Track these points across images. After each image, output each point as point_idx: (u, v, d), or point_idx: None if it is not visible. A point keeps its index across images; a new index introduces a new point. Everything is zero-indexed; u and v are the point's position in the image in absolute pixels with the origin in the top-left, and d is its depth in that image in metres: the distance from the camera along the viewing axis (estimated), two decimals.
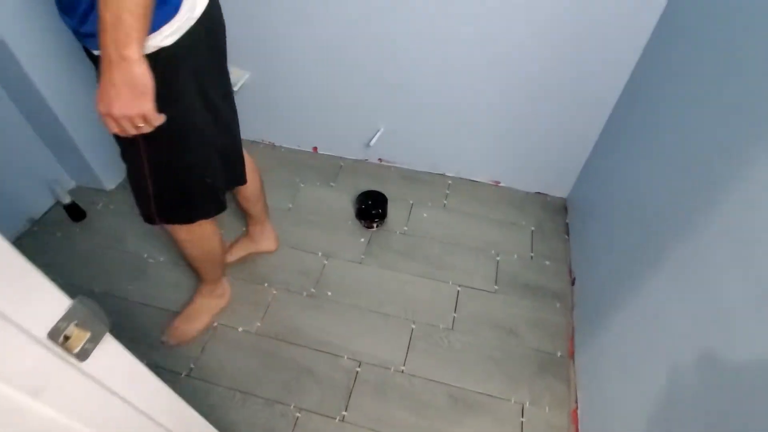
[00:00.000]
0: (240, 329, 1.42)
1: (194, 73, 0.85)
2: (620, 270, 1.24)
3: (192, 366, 1.34)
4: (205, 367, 1.33)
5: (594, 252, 1.46)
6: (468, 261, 1.62)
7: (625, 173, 1.37)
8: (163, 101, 0.74)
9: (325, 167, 1.96)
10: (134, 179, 0.96)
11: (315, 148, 2.02)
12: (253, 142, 2.05)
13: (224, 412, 1.25)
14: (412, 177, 1.92)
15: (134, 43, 0.65)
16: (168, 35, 0.76)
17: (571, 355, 1.37)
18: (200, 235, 1.14)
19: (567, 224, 1.75)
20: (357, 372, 1.33)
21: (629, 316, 1.13)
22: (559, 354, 1.38)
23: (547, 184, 1.85)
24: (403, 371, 1.33)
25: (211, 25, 0.85)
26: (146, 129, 0.75)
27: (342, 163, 1.98)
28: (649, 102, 1.27)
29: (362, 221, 1.71)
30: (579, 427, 1.22)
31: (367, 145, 1.87)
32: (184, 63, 0.82)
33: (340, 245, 1.66)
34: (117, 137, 0.82)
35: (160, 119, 0.76)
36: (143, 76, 0.69)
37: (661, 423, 0.89)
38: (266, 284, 1.54)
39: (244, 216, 1.54)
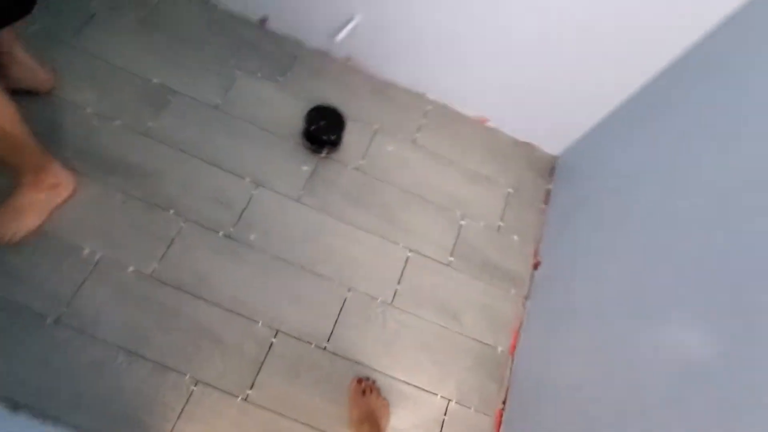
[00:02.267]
0: (130, 269, 1.13)
1: None
2: (594, 269, 1.06)
3: (64, 310, 1.06)
4: (80, 314, 1.07)
5: (570, 236, 1.26)
6: (427, 220, 1.36)
7: (631, 162, 1.09)
8: None
9: (274, 52, 1.46)
10: None
11: (264, 21, 1.48)
12: None
13: (102, 375, 1.03)
14: (384, 92, 1.50)
15: None
16: None
17: (512, 352, 1.26)
18: None
19: (548, 191, 1.50)
20: (272, 343, 1.13)
21: (588, 331, 0.98)
22: (499, 349, 1.26)
23: (540, 134, 1.53)
24: (325, 348, 1.16)
25: None
26: None
27: (298, 52, 1.49)
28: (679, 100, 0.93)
29: (309, 144, 1.34)
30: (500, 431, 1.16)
31: (334, 36, 1.38)
32: None
33: (275, 171, 1.31)
34: None
35: None
36: None
37: None
38: (171, 211, 1.20)
39: None
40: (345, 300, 1.21)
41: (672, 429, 0.68)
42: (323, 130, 1.31)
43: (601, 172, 1.27)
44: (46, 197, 1.10)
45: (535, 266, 1.37)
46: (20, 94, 1.17)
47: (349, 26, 1.34)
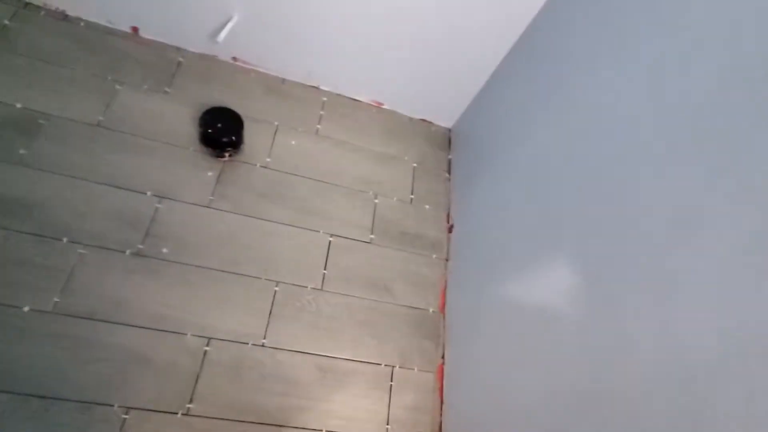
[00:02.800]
0: (26, 308, 1.02)
1: None
2: (498, 219, 1.18)
3: None
4: None
5: (474, 196, 1.38)
6: (342, 205, 1.40)
7: (515, 115, 1.24)
8: None
9: (155, 62, 1.41)
10: None
11: (135, 29, 1.42)
12: (27, 4, 1.34)
13: (14, 426, 0.93)
14: (278, 89, 1.51)
15: None
16: None
17: (443, 310, 1.35)
18: None
19: (449, 160, 1.62)
20: (205, 351, 1.10)
21: (503, 272, 1.10)
22: (431, 310, 1.34)
23: (433, 110, 1.65)
24: (263, 345, 1.15)
25: None
26: None
27: (181, 58, 1.44)
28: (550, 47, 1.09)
29: (209, 149, 1.31)
30: (444, 383, 1.24)
31: (215, 37, 1.37)
32: None
33: (179, 181, 1.26)
34: None
35: None
36: None
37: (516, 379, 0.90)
38: (65, 239, 1.11)
39: None
40: (274, 294, 1.21)
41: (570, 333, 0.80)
42: (221, 132, 1.29)
43: (490, 133, 1.40)
44: None
45: (450, 229, 1.47)
46: None
47: (229, 25, 1.34)
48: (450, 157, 1.63)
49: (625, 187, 0.78)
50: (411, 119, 1.65)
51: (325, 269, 1.29)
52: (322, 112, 1.53)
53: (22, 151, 1.17)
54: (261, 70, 1.52)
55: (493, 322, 1.09)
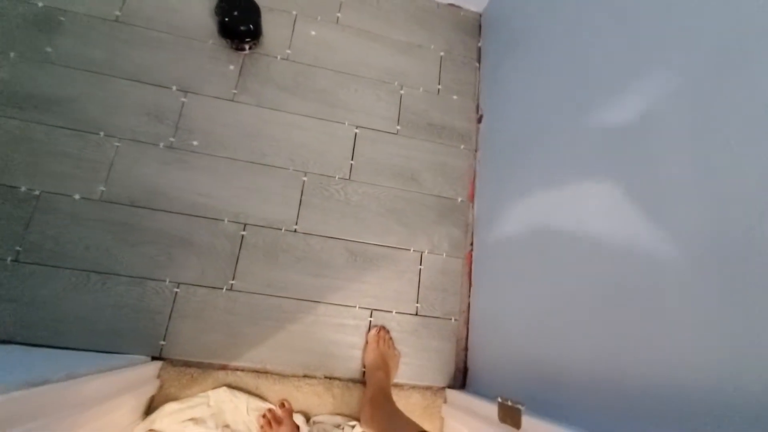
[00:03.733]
0: (77, 196, 1.09)
1: None
2: (531, 108, 1.12)
3: (18, 248, 1.03)
4: (36, 248, 1.04)
5: (505, 85, 1.30)
6: (367, 96, 1.36)
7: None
8: None
9: None
10: None
11: None
12: None
13: (79, 298, 1.03)
14: None
15: None
16: None
17: (471, 200, 1.34)
18: None
19: (479, 48, 1.52)
20: (242, 236, 1.16)
21: (532, 162, 1.06)
22: (459, 200, 1.33)
23: None
24: (295, 230, 1.19)
25: None
26: None
27: None
28: None
29: (229, 40, 1.28)
30: (472, 269, 1.26)
31: None
32: None
33: (201, 75, 1.26)
34: None
35: None
36: None
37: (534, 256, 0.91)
38: (102, 133, 1.15)
39: None
40: (303, 184, 1.23)
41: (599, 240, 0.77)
42: (238, 20, 1.24)
43: (524, 17, 1.28)
44: None
45: (479, 120, 1.42)
46: None
47: None
48: (480, 44, 1.52)
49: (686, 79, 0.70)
50: (438, 4, 1.53)
51: (352, 160, 1.29)
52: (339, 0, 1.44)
53: (48, 49, 1.18)
54: None
55: (520, 210, 1.08)
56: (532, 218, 1.01)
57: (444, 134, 1.38)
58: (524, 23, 1.27)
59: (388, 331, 1.17)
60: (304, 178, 1.24)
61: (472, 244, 1.29)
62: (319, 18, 1.40)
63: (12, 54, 1.16)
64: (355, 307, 1.17)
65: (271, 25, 1.33)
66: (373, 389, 1.02)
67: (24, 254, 1.03)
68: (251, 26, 1.25)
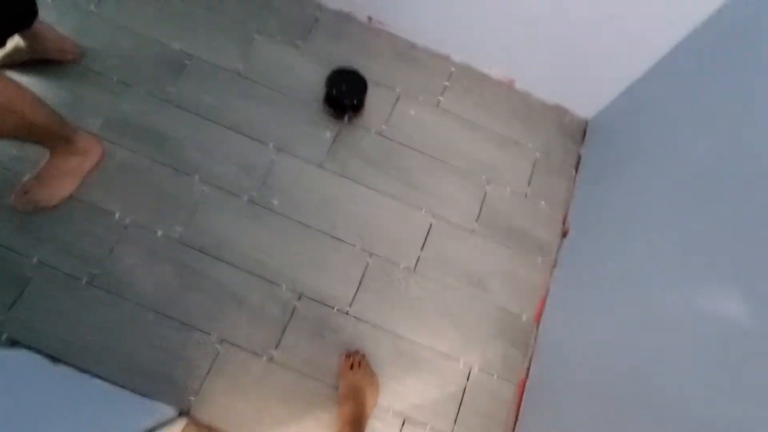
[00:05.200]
0: (159, 233, 1.15)
1: None
2: (628, 234, 1.00)
3: (96, 272, 1.10)
4: (112, 275, 1.10)
5: (601, 205, 1.20)
6: (451, 185, 1.32)
7: (670, 118, 1.01)
8: None
9: (294, 15, 1.43)
10: None
11: None
12: None
13: (132, 333, 1.07)
14: (406, 54, 1.45)
15: None
16: None
17: (537, 321, 1.23)
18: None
19: (579, 156, 1.43)
20: (295, 306, 1.14)
21: (614, 296, 0.94)
22: (524, 317, 1.23)
23: (571, 96, 1.45)
24: (347, 313, 1.16)
25: None
26: None
27: (318, 14, 1.44)
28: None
29: (331, 109, 1.31)
30: (522, 402, 1.15)
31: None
32: None
33: (297, 137, 1.29)
34: None
35: None
36: None
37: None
38: (196, 177, 1.21)
39: None
40: (367, 265, 1.21)
41: (704, 394, 0.65)
42: (345, 93, 1.28)
43: (636, 135, 1.19)
44: (77, 163, 1.13)
45: (564, 234, 1.32)
46: (48, 63, 1.20)
47: None
48: (581, 151, 1.43)
49: None
50: (544, 104, 1.47)
51: (421, 250, 1.24)
52: (447, 83, 1.43)
53: (170, 89, 1.28)
54: (393, 31, 1.46)
55: (592, 354, 0.96)
56: (611, 361, 0.89)
57: (523, 242, 1.30)
58: (634, 143, 1.17)
59: (362, 355, 1.09)
60: (369, 260, 1.21)
61: (528, 370, 1.18)
62: (420, 98, 1.40)
63: (140, 88, 1.27)
64: (388, 412, 1.10)
65: (373, 98, 1.35)
66: (341, 423, 0.93)
67: (98, 279, 1.09)
68: (355, 101, 1.28)
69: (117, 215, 1.15)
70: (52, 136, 1.02)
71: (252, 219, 1.20)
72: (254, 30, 1.38)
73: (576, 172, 1.40)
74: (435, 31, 1.41)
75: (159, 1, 1.37)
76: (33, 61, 1.21)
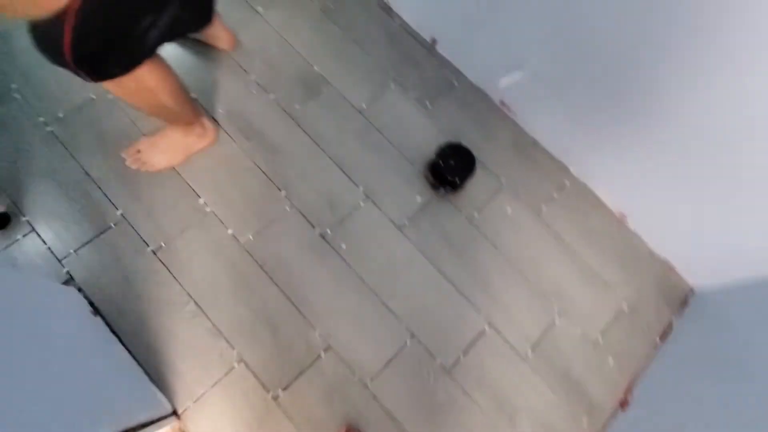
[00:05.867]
0: (230, 231, 1.18)
1: None
2: None
3: (163, 245, 1.15)
4: (174, 254, 1.15)
5: (683, 392, 1.04)
6: (520, 301, 1.23)
7: None
8: None
9: (433, 76, 1.44)
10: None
11: (434, 42, 1.47)
12: None
13: (167, 315, 1.09)
14: (525, 149, 1.40)
15: None
16: None
17: None
18: (143, 87, 0.90)
19: (670, 324, 1.27)
20: (319, 355, 1.11)
21: None
22: None
23: (685, 255, 1.30)
24: (367, 386, 1.10)
25: None
26: None
27: (456, 82, 1.45)
28: None
29: (432, 177, 1.29)
30: None
31: (496, 78, 1.31)
32: None
33: (389, 190, 1.29)
34: None
35: None
36: None
37: None
38: (284, 193, 1.24)
39: None
40: (404, 345, 1.15)
41: None
42: (451, 168, 1.25)
43: (755, 331, 1.03)
44: (189, 142, 1.20)
45: (622, 404, 1.17)
46: (201, 43, 1.30)
47: (516, 76, 1.27)
48: (675, 321, 1.28)
49: None
50: (651, 253, 1.34)
51: (463, 354, 1.16)
52: (555, 195, 1.36)
53: (297, 107, 1.34)
54: (520, 123, 1.42)
55: None
56: None
57: (574, 393, 1.16)
58: (755, 353, 1.01)
59: None
60: (408, 341, 1.15)
61: None
62: (523, 199, 1.34)
63: (272, 96, 1.34)
64: None
65: (475, 181, 1.31)
66: None
67: (162, 252, 1.14)
68: (458, 180, 1.25)
69: (202, 200, 1.20)
70: (178, 119, 1.09)
71: (316, 254, 1.19)
72: (392, 78, 1.42)
73: (661, 341, 1.25)
74: (562, 139, 1.35)
75: (318, 23, 1.45)
76: (188, 38, 1.32)
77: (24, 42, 1.28)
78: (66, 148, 1.20)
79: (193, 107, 1.11)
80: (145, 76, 0.87)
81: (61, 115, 1.23)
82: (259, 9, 1.44)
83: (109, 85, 0.86)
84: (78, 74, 0.78)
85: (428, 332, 1.16)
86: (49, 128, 1.21)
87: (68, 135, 1.21)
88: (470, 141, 1.34)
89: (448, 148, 1.28)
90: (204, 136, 1.22)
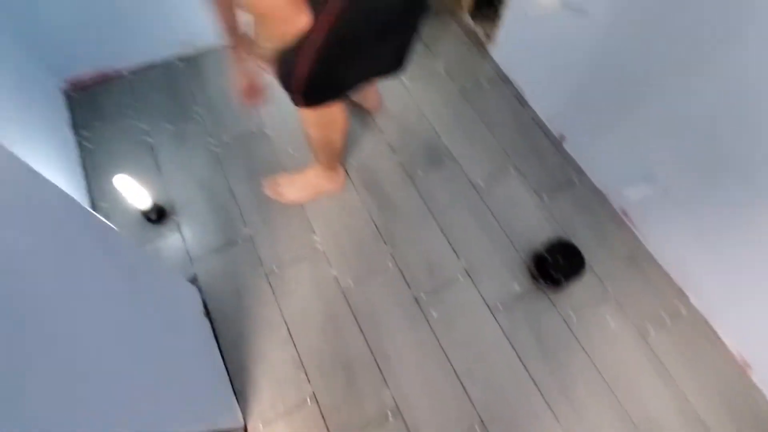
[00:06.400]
0: (333, 272, 1.27)
1: None
2: None
3: (275, 269, 1.27)
4: (282, 280, 1.25)
5: None
6: (604, 420, 1.13)
7: None
8: None
9: (554, 169, 1.47)
10: (288, 58, 0.83)
11: (562, 138, 1.50)
12: (505, 78, 1.60)
13: (263, 336, 1.18)
14: (641, 264, 1.33)
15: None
16: None
17: None
18: (329, 120, 1.07)
19: None
20: (387, 416, 1.11)
21: None
22: None
23: None
24: None
25: None
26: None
27: (577, 180, 1.46)
28: None
29: (535, 269, 1.28)
30: None
31: (622, 187, 1.30)
32: None
33: (489, 272, 1.30)
34: None
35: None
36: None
37: None
38: (389, 248, 1.31)
39: None
40: (472, 430, 1.10)
41: None
42: (557, 266, 1.23)
43: None
44: (321, 183, 1.34)
45: None
46: (350, 102, 1.48)
47: (644, 189, 1.24)
48: None
49: None
50: (764, 403, 1.17)
51: None
52: (668, 321, 1.26)
53: (419, 171, 1.43)
54: (639, 235, 1.37)
55: None
56: None
57: None
58: None
59: None
60: (477, 428, 1.11)
61: None
62: (630, 317, 1.26)
63: (399, 158, 1.45)
64: None
65: (579, 284, 1.27)
66: None
67: (273, 276, 1.25)
68: (562, 278, 1.22)
69: (317, 237, 1.31)
70: (330, 157, 1.24)
71: (407, 314, 1.23)
72: (513, 163, 1.47)
73: None
74: (685, 262, 1.27)
75: (455, 101, 1.57)
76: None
77: (212, 70, 1.56)
78: (222, 168, 1.40)
79: (341, 152, 1.25)
80: (336, 109, 1.03)
81: (226, 139, 1.45)
82: (405, 81, 1.60)
83: (308, 111, 1.01)
84: (293, 96, 0.91)
85: (499, 425, 1.11)
86: (214, 148, 1.43)
87: (227, 157, 1.42)
88: (582, 242, 1.32)
89: (558, 245, 1.27)
90: (335, 181, 1.35)
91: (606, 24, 1.15)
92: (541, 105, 1.55)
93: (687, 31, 0.97)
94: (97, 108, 1.47)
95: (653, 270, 1.33)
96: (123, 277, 0.74)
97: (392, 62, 0.99)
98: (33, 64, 1.32)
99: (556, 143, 1.51)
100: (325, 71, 0.85)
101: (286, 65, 0.85)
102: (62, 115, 1.41)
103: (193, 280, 1.24)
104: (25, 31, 1.27)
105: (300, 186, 1.35)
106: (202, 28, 1.50)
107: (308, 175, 1.34)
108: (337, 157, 1.25)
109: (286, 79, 0.88)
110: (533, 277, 1.29)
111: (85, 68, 1.47)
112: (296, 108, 0.98)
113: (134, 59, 1.53)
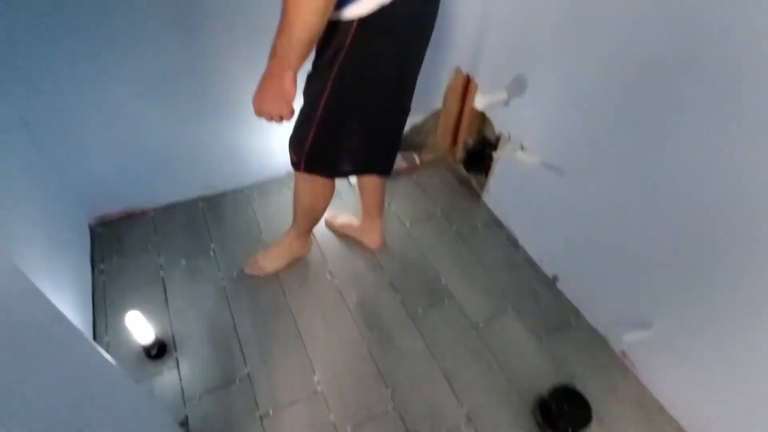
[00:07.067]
0: (331, 417, 1.22)
1: (394, 44, 0.94)
2: None
3: (270, 412, 1.22)
4: (278, 425, 1.20)
5: None
6: None
7: None
8: (362, 55, 0.92)
9: (550, 311, 1.51)
10: (299, 123, 1.08)
11: (555, 279, 1.57)
12: (498, 225, 1.74)
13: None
14: (648, 411, 1.29)
15: (290, 69, 0.85)
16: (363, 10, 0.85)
17: None
18: (321, 192, 1.29)
19: None
20: None
21: None
22: None
23: None
24: None
25: (409, 13, 0.91)
26: (282, 123, 0.95)
27: (573, 322, 1.48)
28: None
29: (540, 416, 1.24)
30: None
31: (620, 330, 1.32)
32: (384, 32, 0.90)
33: (493, 420, 1.25)
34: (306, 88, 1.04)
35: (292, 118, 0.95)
36: (290, 90, 0.88)
37: None
38: (390, 391, 1.28)
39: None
40: None
41: None
42: (562, 414, 1.19)
43: None
44: (294, 249, 1.50)
45: None
46: (354, 240, 1.58)
47: (642, 334, 1.27)
48: None
49: None
50: None
51: None
52: None
53: (419, 309, 1.47)
54: (642, 380, 1.34)
55: None
56: None
57: None
58: None
59: None
60: None
61: None
62: None
63: (399, 296, 1.51)
64: None
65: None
66: None
67: (268, 419, 1.20)
68: (570, 429, 1.18)
69: (316, 378, 1.29)
70: (309, 223, 1.42)
71: None
72: (511, 302, 1.51)
73: None
74: (692, 408, 1.22)
75: (452, 243, 1.68)
76: (345, 233, 1.64)
77: (230, 210, 1.70)
78: (228, 302, 1.45)
79: (312, 228, 1.46)
80: (327, 182, 1.26)
81: (234, 275, 1.52)
82: (407, 223, 1.74)
83: (303, 177, 1.21)
84: (295, 162, 1.14)
85: None
86: (222, 283, 1.49)
87: (233, 292, 1.47)
88: (586, 387, 1.29)
89: (563, 391, 1.24)
90: (305, 245, 1.53)
91: (583, 180, 1.32)
92: (533, 246, 1.66)
93: (659, 179, 1.11)
94: (119, 242, 1.57)
95: (664, 420, 1.27)
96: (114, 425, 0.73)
97: (383, 161, 1.24)
98: (68, 200, 1.46)
99: (549, 283, 1.58)
100: (328, 147, 1.08)
101: (298, 134, 1.08)
102: (84, 248, 1.50)
103: (184, 423, 1.19)
104: (67, 172, 1.43)
105: (276, 255, 1.49)
106: (224, 174, 1.69)
107: (283, 243, 1.49)
108: (314, 225, 1.44)
109: (297, 147, 1.10)
110: (539, 425, 1.24)
111: (115, 207, 1.61)
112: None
113: (161, 199, 1.69)
